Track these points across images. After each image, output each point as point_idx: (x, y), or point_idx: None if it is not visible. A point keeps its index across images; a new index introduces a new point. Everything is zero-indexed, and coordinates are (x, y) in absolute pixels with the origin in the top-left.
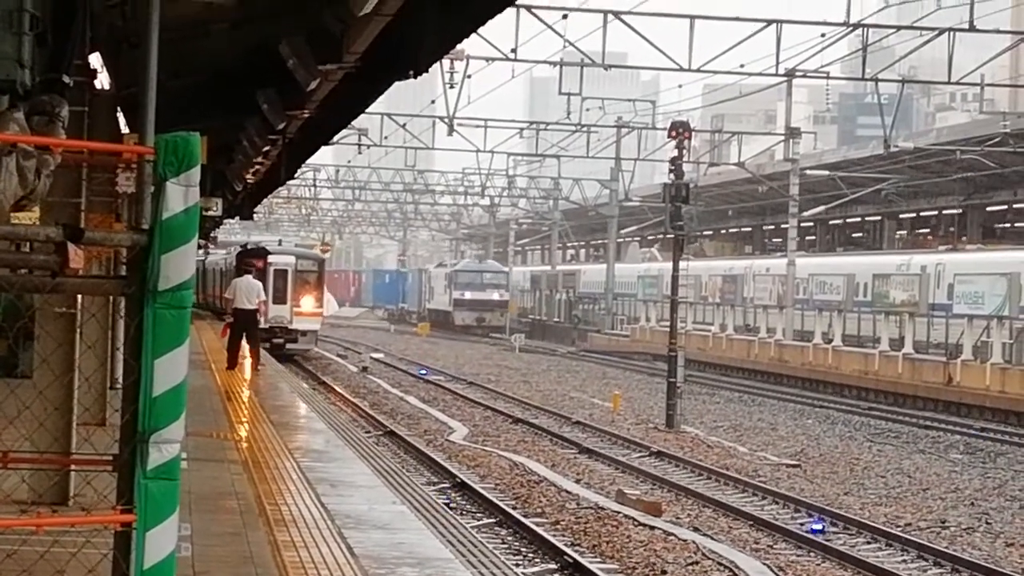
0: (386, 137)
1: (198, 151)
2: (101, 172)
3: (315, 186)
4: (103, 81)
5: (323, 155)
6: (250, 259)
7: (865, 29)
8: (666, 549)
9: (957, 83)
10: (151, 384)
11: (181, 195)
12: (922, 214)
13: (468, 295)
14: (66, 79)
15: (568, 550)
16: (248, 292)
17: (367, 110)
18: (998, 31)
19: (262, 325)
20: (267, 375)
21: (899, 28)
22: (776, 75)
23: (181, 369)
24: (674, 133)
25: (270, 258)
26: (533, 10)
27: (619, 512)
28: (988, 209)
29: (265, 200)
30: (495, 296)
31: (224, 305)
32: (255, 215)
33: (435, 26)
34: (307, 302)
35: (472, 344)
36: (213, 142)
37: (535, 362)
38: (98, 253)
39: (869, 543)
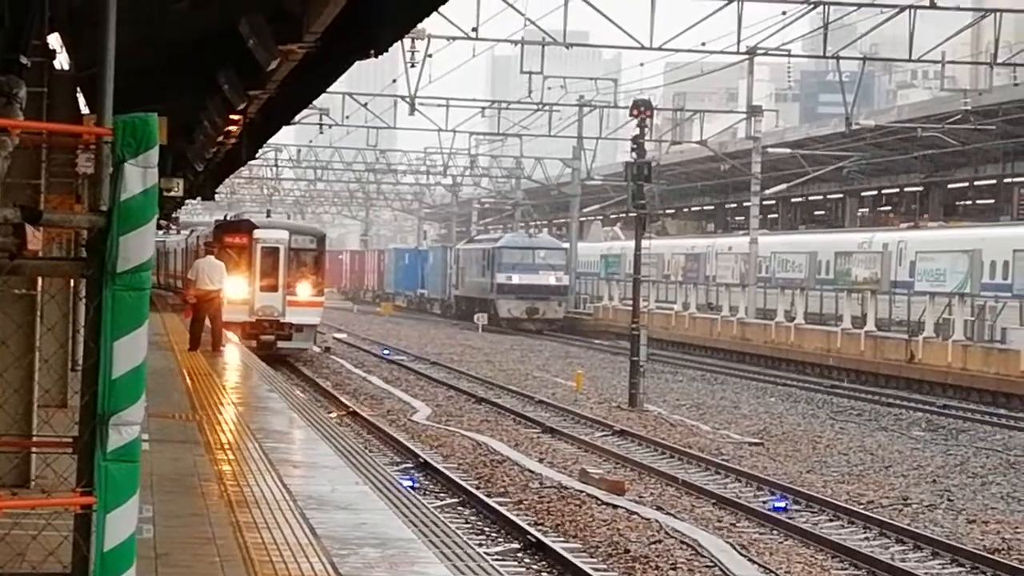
0: (347, 117)
1: (156, 132)
2: (61, 153)
3: (277, 166)
4: (62, 61)
5: (285, 135)
6: (231, 234)
7: (826, 7)
8: (629, 528)
9: (918, 60)
10: (110, 366)
11: (140, 176)
12: (884, 191)
13: (516, 279)
14: (24, 60)
15: (531, 529)
16: (211, 273)
17: (328, 90)
18: (959, 8)
19: (247, 318)
20: (229, 356)
21: (860, 6)
22: (738, 53)
23: (141, 351)
24: (636, 112)
25: (256, 233)
26: None
27: (582, 491)
28: (949, 186)
29: (227, 180)
30: (551, 280)
31: (186, 286)
32: (217, 195)
33: (396, 5)
34: (304, 289)
35: (435, 324)
36: (174, 122)
37: (498, 342)
38: (58, 235)
39: (832, 521)
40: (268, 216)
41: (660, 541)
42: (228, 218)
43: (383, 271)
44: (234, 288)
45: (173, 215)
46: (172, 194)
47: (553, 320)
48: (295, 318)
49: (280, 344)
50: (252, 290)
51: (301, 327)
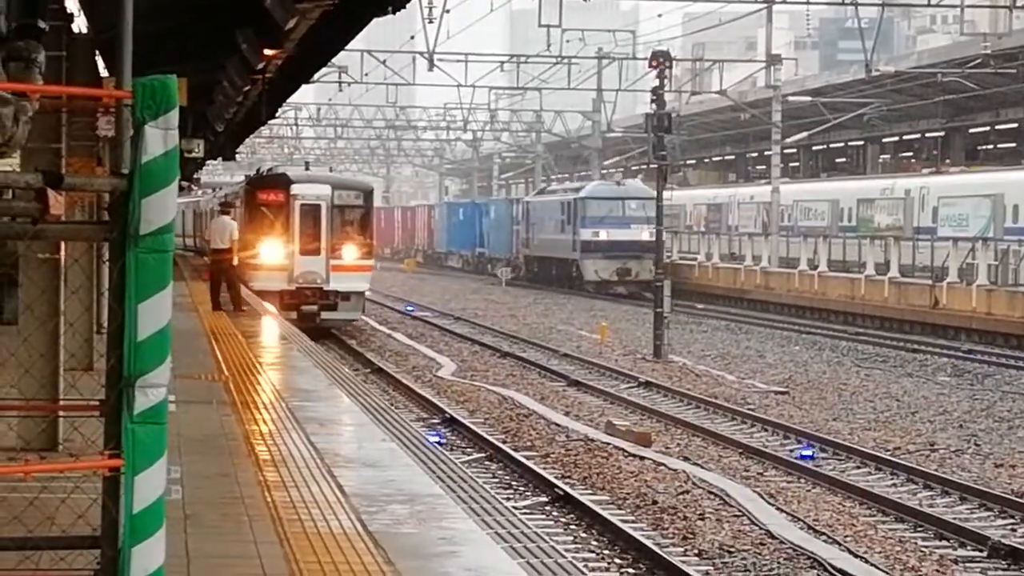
0: (366, 74)
1: (176, 93)
2: (81, 117)
3: (297, 125)
4: (80, 25)
5: (304, 93)
6: (265, 190)
7: None
8: (656, 479)
9: (937, 5)
10: (135, 328)
11: (160, 138)
12: (905, 137)
13: (604, 234)
14: (42, 24)
15: (559, 482)
16: (221, 232)
17: (347, 47)
18: None
19: (286, 286)
20: (252, 315)
21: None
22: (756, 1)
23: (165, 313)
24: (655, 63)
25: (294, 188)
26: None
27: (609, 443)
28: (970, 131)
29: (247, 140)
30: (644, 235)
31: (206, 246)
32: (237, 155)
33: None
34: (350, 251)
35: (458, 279)
36: (193, 83)
37: (521, 296)
38: (80, 198)
39: (859, 467)
40: (307, 169)
41: (688, 492)
42: (262, 171)
43: (433, 228)
44: (270, 252)
45: (194, 176)
46: (193, 155)
47: (647, 282)
48: (341, 285)
49: (324, 315)
50: (291, 254)
51: (348, 295)
